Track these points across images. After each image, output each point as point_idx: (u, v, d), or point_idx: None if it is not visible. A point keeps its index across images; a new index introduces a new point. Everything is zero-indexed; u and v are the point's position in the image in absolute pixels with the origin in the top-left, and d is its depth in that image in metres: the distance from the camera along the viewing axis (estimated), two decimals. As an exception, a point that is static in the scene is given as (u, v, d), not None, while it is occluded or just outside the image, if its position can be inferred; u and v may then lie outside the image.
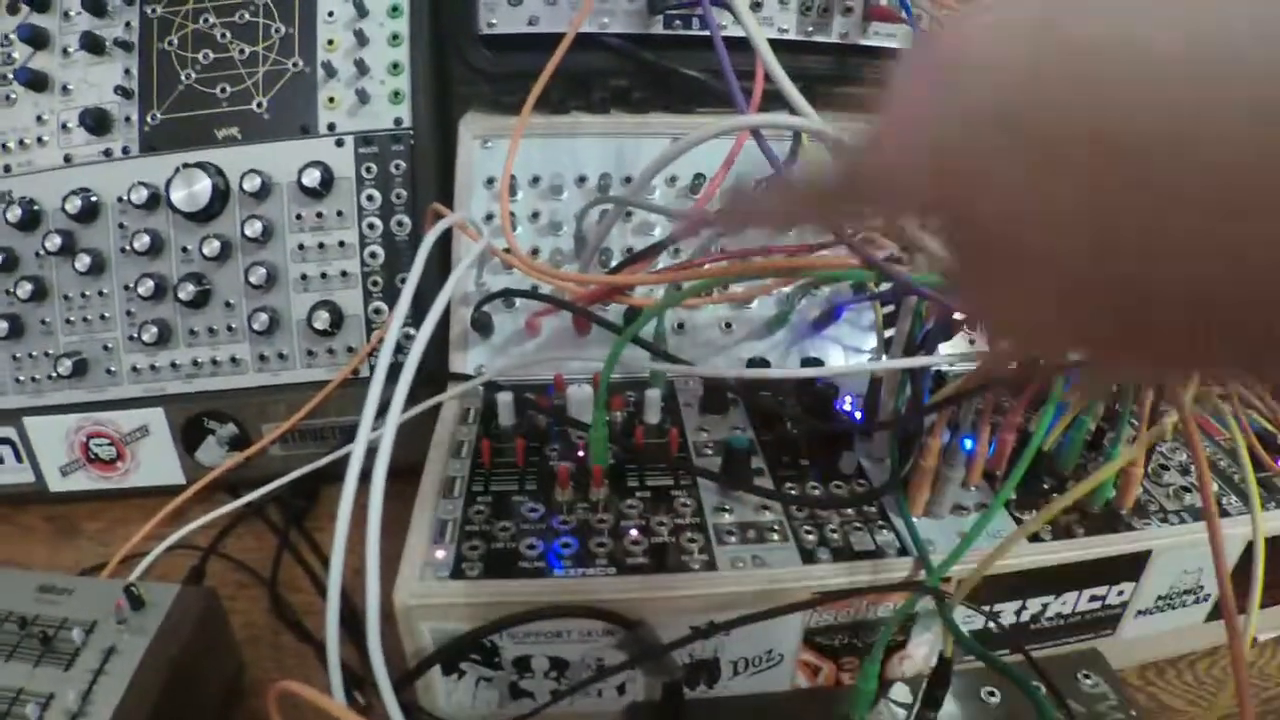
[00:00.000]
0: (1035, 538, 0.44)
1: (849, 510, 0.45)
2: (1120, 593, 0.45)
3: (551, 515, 0.43)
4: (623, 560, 0.41)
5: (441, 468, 0.47)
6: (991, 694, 0.43)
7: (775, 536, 0.43)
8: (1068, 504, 0.33)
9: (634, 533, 0.42)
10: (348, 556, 0.31)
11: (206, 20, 0.57)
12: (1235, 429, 0.38)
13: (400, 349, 0.58)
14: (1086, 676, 0.45)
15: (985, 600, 0.43)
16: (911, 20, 0.56)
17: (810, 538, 0.43)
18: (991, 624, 0.43)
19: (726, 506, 0.44)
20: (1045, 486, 0.47)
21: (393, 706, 0.31)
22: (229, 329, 0.57)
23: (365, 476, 0.31)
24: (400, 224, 0.58)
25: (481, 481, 0.46)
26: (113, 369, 0.58)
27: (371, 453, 0.31)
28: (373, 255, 0.58)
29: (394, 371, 0.32)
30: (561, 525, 0.43)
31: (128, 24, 0.57)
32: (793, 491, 0.46)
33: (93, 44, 0.56)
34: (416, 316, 0.57)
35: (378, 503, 0.30)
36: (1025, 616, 0.44)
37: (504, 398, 0.49)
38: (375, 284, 0.58)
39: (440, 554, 0.41)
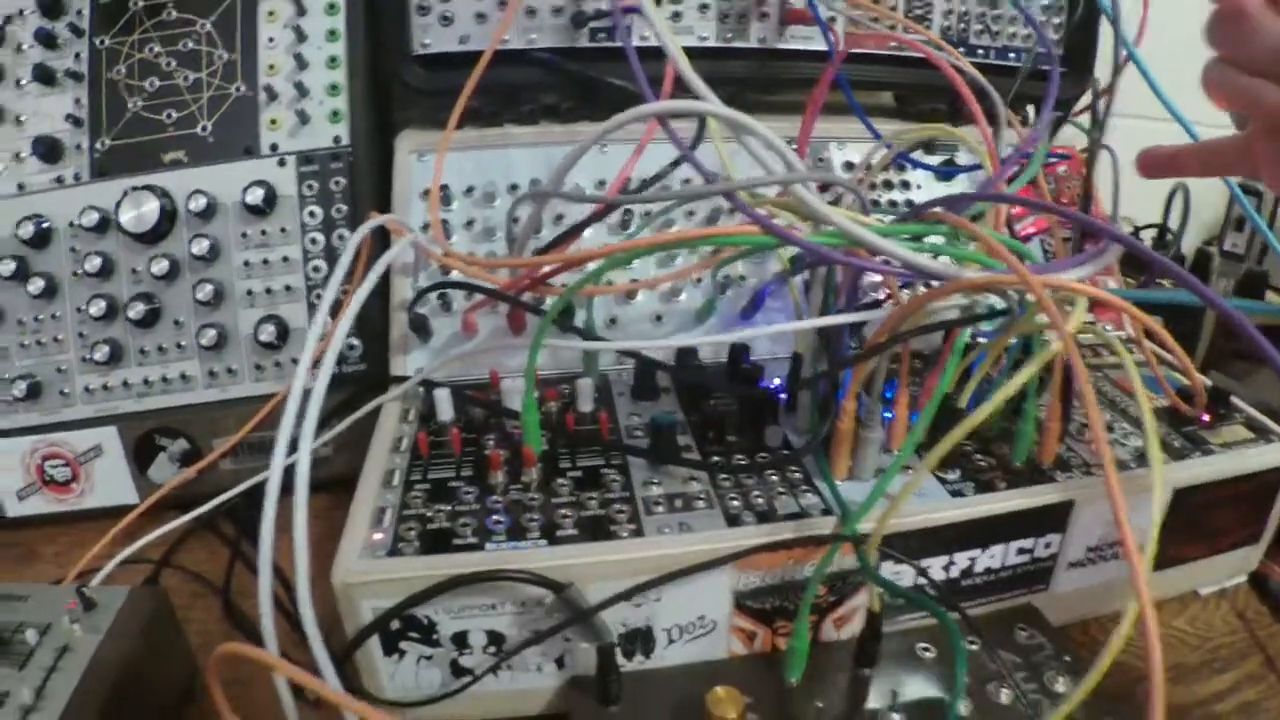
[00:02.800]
0: (957, 493, 0.45)
1: (774, 477, 0.46)
2: (1048, 545, 0.47)
3: (486, 496, 0.45)
4: (554, 532, 0.42)
5: (381, 462, 0.48)
6: (926, 649, 0.44)
7: (701, 504, 0.44)
8: (963, 435, 0.34)
9: (564, 509, 0.43)
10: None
11: (152, 49, 0.59)
12: (1129, 361, 0.39)
13: (344, 359, 0.60)
14: (1023, 629, 0.46)
15: (912, 556, 0.44)
16: (821, 22, 0.59)
17: (735, 504, 0.44)
18: (921, 578, 0.44)
19: (655, 480, 0.46)
20: (967, 447, 0.49)
21: (331, 676, 0.32)
22: (179, 346, 0.59)
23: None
24: (341, 238, 0.60)
25: (420, 471, 0.47)
26: (66, 390, 0.59)
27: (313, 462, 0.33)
28: (316, 269, 0.60)
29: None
30: (495, 504, 0.44)
31: (77, 55, 0.59)
32: (718, 461, 0.47)
33: (44, 75, 0.58)
34: (363, 326, 0.59)
35: (304, 492, 0.32)
36: (955, 572, 0.45)
37: (441, 393, 0.51)
38: (319, 297, 0.59)
39: (378, 536, 0.42)
